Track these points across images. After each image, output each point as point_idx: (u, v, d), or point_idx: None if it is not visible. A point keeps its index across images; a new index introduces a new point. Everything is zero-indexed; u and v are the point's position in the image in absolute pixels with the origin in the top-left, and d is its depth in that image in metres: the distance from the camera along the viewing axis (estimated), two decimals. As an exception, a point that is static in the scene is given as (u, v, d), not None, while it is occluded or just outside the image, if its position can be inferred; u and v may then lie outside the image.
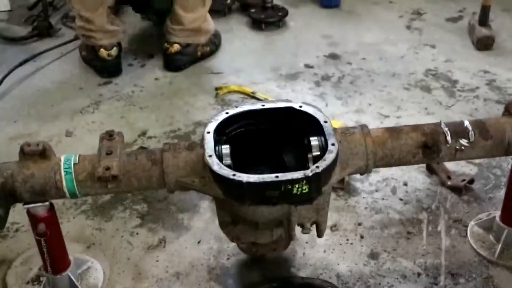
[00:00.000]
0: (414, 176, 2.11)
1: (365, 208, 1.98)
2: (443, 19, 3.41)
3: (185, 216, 1.96)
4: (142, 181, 1.48)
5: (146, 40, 3.11)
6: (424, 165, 2.11)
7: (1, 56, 3.01)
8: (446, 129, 1.54)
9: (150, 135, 2.38)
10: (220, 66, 2.89)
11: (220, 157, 1.47)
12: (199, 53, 2.85)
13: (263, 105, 1.60)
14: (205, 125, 1.53)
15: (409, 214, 1.95)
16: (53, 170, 1.44)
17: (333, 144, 1.44)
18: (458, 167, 2.14)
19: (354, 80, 2.78)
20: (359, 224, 1.91)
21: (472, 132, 1.54)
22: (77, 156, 1.48)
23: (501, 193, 1.97)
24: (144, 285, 1.72)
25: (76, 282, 1.63)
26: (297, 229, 1.50)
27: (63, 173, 1.44)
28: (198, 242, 1.86)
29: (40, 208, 1.49)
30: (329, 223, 1.85)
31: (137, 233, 1.90)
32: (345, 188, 2.04)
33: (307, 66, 2.88)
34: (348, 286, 1.70)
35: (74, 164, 1.45)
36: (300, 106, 1.58)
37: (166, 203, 2.01)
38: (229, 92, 2.63)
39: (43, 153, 1.46)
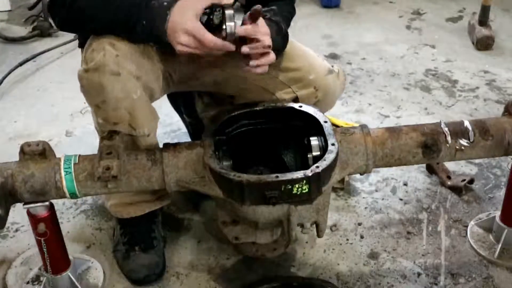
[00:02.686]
0: (414, 176, 2.11)
1: (365, 208, 1.98)
2: (443, 19, 3.41)
3: (185, 216, 1.96)
4: (142, 181, 1.48)
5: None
6: (424, 165, 2.11)
7: (1, 56, 3.01)
8: (446, 129, 1.54)
9: (150, 135, 2.38)
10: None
11: (220, 157, 1.47)
12: None
13: (263, 105, 1.60)
14: (205, 125, 1.53)
15: (409, 214, 1.95)
16: (53, 170, 1.44)
17: (333, 144, 1.44)
18: (458, 167, 2.14)
19: (354, 80, 2.78)
20: (359, 224, 1.91)
21: (472, 132, 1.54)
22: (77, 156, 1.48)
23: (501, 193, 1.97)
24: (143, 285, 1.72)
25: (76, 282, 1.63)
26: (297, 229, 1.50)
27: (63, 173, 1.43)
28: (198, 242, 1.86)
29: (40, 208, 1.49)
30: (329, 223, 1.85)
31: (137, 233, 1.90)
32: (345, 188, 2.04)
33: (307, 66, 2.88)
34: (348, 286, 1.69)
35: (74, 164, 1.45)
36: (300, 106, 1.58)
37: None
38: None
39: (43, 153, 1.46)
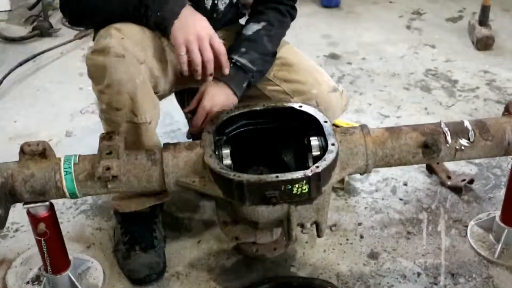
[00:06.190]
0: (414, 176, 2.11)
1: (365, 208, 1.98)
2: (443, 19, 3.41)
3: (185, 216, 1.96)
4: (142, 181, 1.48)
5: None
6: (424, 165, 2.11)
7: (1, 56, 3.01)
8: (446, 129, 1.54)
9: (150, 135, 2.38)
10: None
11: (220, 157, 1.47)
12: None
13: (263, 105, 1.60)
14: (205, 125, 1.53)
15: (409, 214, 1.95)
16: (53, 170, 1.44)
17: (333, 144, 1.44)
18: (458, 167, 2.14)
19: (354, 80, 2.78)
20: (359, 224, 1.91)
21: (472, 132, 1.54)
22: (77, 156, 1.48)
23: (501, 193, 1.97)
24: (144, 284, 1.72)
25: (76, 282, 1.63)
26: (297, 229, 1.50)
27: (63, 173, 1.43)
28: (198, 242, 1.86)
29: (40, 208, 1.49)
30: (329, 223, 1.85)
31: (137, 233, 1.90)
32: (345, 188, 2.04)
33: (307, 66, 2.88)
34: (348, 286, 1.69)
35: (74, 164, 1.45)
36: (300, 106, 1.58)
37: (166, 203, 2.00)
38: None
39: (43, 153, 1.46)
